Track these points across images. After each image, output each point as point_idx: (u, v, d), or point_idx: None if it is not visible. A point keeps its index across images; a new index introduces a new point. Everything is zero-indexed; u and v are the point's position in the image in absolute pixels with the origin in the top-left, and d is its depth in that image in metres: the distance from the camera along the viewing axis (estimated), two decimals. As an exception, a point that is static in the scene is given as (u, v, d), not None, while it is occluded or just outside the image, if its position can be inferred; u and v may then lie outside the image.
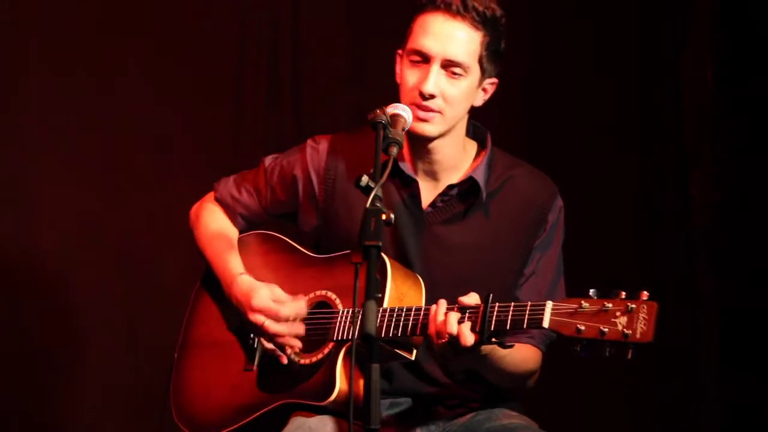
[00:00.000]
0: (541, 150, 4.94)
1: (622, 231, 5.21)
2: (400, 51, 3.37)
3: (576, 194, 4.92)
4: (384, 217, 2.81)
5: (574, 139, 5.19)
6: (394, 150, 3.08)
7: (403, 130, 3.15)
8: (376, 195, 2.86)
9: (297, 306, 3.34)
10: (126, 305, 4.89)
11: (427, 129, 3.30)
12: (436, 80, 3.25)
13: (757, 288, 5.07)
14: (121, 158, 4.91)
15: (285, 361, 3.35)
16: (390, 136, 3.09)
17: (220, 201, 3.61)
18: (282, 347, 3.34)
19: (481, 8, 3.26)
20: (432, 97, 3.26)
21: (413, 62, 3.28)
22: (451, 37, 3.26)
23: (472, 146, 3.44)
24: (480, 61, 3.30)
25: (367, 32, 5.08)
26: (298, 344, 3.33)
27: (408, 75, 3.30)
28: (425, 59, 3.27)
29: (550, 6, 5.19)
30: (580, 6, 5.22)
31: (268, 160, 3.57)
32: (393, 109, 3.17)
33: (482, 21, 3.27)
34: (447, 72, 3.27)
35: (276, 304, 3.33)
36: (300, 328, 3.33)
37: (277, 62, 5.09)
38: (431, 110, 3.27)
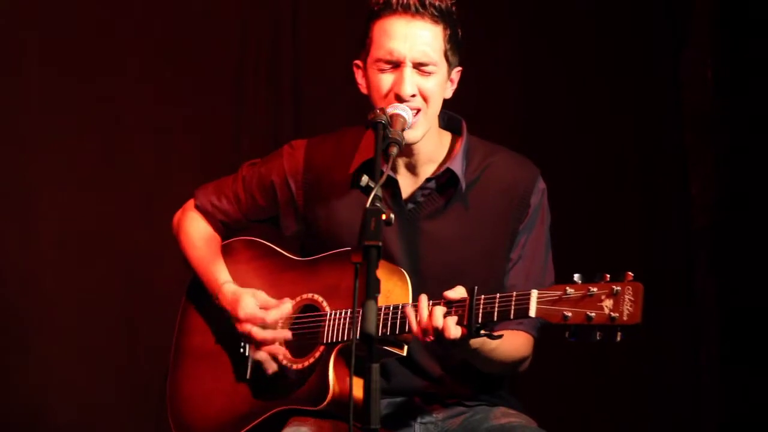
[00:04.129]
0: (541, 150, 4.92)
1: (622, 231, 5.21)
2: (358, 62, 3.35)
3: (576, 194, 4.95)
4: (384, 217, 2.81)
5: (574, 139, 5.18)
6: (394, 150, 3.09)
7: (402, 130, 3.14)
8: (376, 195, 2.86)
9: (282, 310, 3.35)
10: (126, 305, 4.89)
11: (413, 135, 3.28)
12: (411, 81, 3.24)
13: (757, 288, 5.07)
14: (121, 158, 4.91)
15: (270, 372, 3.35)
16: (390, 136, 3.09)
17: (200, 209, 3.61)
18: (271, 355, 3.35)
19: (437, 2, 3.24)
20: (412, 97, 3.24)
21: (382, 69, 3.26)
22: (417, 37, 3.24)
23: (447, 137, 3.42)
24: (445, 55, 3.29)
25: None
26: (284, 351, 3.34)
27: (380, 82, 3.27)
28: (395, 64, 3.25)
29: (550, 6, 5.19)
30: (580, 6, 5.22)
31: (246, 167, 3.58)
32: (393, 109, 3.17)
33: (440, 15, 3.25)
34: (419, 71, 3.25)
35: (261, 312, 3.35)
36: (286, 334, 3.34)
37: (277, 62, 5.09)
38: (415, 119, 3.25)
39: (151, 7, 4.93)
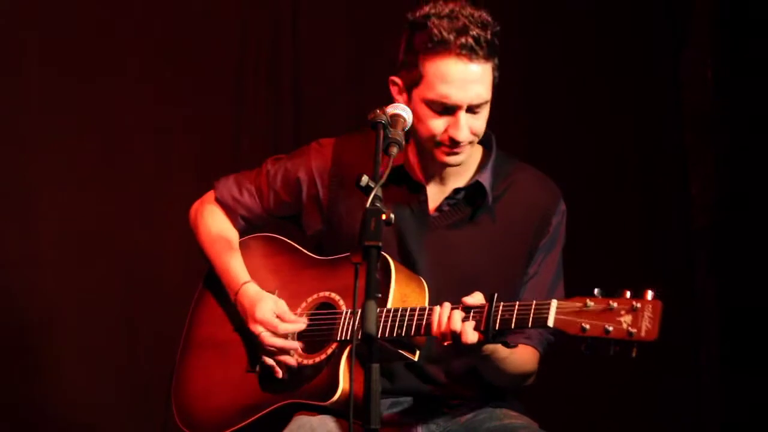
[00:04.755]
0: (541, 150, 4.94)
1: (622, 231, 5.21)
2: (396, 80, 3.32)
3: (576, 195, 4.93)
4: (384, 217, 2.81)
5: (574, 140, 5.19)
6: (394, 150, 3.08)
7: (403, 130, 3.14)
8: (376, 195, 2.86)
9: (295, 326, 3.35)
10: (126, 305, 4.89)
11: (458, 160, 3.31)
12: (467, 125, 3.24)
13: (757, 288, 5.07)
14: (121, 158, 4.91)
15: (280, 375, 3.36)
16: (390, 136, 3.08)
17: (220, 201, 3.60)
18: (277, 358, 3.36)
19: (490, 37, 3.22)
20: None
21: (436, 112, 3.24)
22: (473, 82, 3.21)
23: (478, 150, 3.43)
24: (492, 84, 3.29)
25: (367, 32, 5.08)
26: (291, 361, 3.34)
27: (432, 123, 3.24)
28: (450, 110, 3.24)
29: (550, 6, 5.20)
30: (579, 6, 5.22)
31: (271, 162, 3.56)
32: (393, 109, 3.16)
33: (491, 51, 3.23)
34: (471, 113, 3.25)
35: (276, 320, 3.34)
36: (295, 345, 3.34)
37: (277, 62, 5.09)
38: (464, 146, 3.27)
39: (151, 7, 4.93)
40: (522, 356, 3.31)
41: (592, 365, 4.92)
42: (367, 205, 2.84)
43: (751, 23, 5.13)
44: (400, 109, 3.17)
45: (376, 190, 2.88)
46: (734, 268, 5.16)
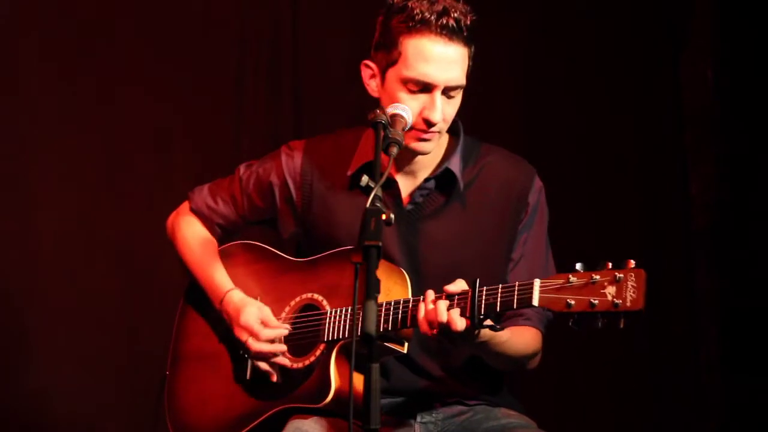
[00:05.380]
0: (541, 150, 4.94)
1: (622, 230, 5.21)
2: (369, 63, 3.34)
3: (576, 194, 4.95)
4: (384, 217, 2.81)
5: (574, 139, 5.19)
6: (394, 150, 3.09)
7: (403, 130, 3.15)
8: (376, 195, 2.87)
9: (278, 332, 3.35)
10: (126, 305, 4.89)
11: (428, 147, 3.31)
12: (441, 107, 3.25)
13: (757, 288, 5.07)
14: (121, 158, 4.91)
15: (275, 379, 3.36)
16: (390, 136, 3.09)
17: (195, 211, 3.60)
18: (270, 361, 3.36)
19: (469, 23, 3.23)
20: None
21: (412, 91, 3.24)
22: (452, 63, 3.23)
23: (445, 137, 3.42)
24: (467, 73, 3.30)
25: (367, 32, 5.07)
26: (284, 362, 3.34)
27: (407, 102, 3.23)
28: (427, 88, 3.24)
29: (550, 6, 5.19)
30: (580, 6, 5.22)
31: (243, 168, 3.57)
32: (393, 109, 3.18)
33: (470, 36, 3.25)
34: (446, 95, 3.26)
35: (258, 326, 3.35)
36: (281, 348, 3.34)
37: (277, 62, 5.09)
38: (435, 133, 3.28)
39: (151, 7, 4.93)
40: (523, 337, 3.30)
41: (592, 364, 4.93)
42: (367, 205, 2.84)
43: (751, 23, 5.13)
44: (399, 109, 3.18)
45: (377, 190, 2.88)
46: (734, 268, 5.16)
